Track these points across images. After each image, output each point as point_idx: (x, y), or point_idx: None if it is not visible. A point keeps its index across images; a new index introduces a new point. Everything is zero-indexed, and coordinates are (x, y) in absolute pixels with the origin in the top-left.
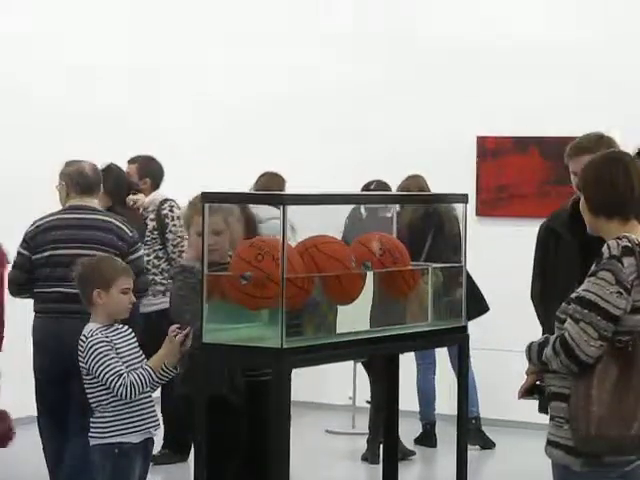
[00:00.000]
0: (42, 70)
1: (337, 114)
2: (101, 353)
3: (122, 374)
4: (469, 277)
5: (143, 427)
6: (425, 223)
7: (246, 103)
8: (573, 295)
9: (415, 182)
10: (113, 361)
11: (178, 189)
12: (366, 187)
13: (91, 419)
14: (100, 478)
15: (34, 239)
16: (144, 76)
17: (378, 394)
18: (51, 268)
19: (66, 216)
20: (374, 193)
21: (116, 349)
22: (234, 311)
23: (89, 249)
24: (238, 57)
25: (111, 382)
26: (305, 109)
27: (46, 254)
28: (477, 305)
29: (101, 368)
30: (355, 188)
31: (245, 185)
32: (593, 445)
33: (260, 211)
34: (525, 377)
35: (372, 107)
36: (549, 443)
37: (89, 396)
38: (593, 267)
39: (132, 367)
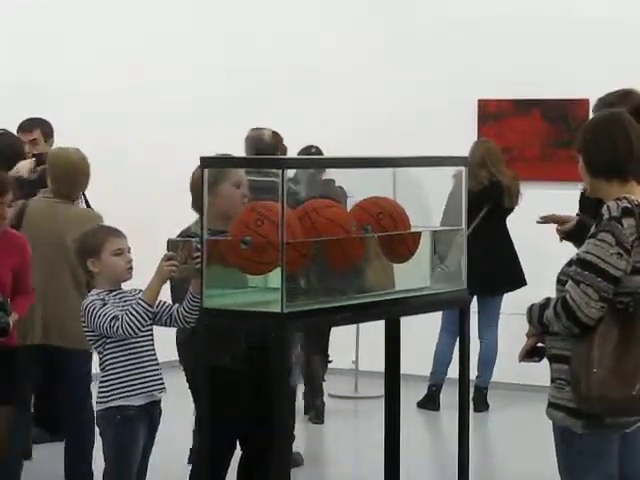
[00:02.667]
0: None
1: (337, 80)
2: (94, 307)
3: (117, 315)
4: (513, 250)
5: (146, 390)
6: (481, 196)
7: (245, 72)
8: (574, 257)
9: (484, 146)
10: (106, 309)
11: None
12: (305, 151)
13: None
14: (104, 445)
15: None
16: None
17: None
18: None
19: None
20: (369, 157)
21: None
22: (234, 276)
23: None
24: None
25: (110, 328)
26: (305, 77)
27: None
28: (513, 280)
29: (97, 320)
30: (356, 154)
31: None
32: (594, 407)
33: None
34: (525, 339)
35: (373, 72)
36: (550, 405)
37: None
38: (593, 229)
39: None
